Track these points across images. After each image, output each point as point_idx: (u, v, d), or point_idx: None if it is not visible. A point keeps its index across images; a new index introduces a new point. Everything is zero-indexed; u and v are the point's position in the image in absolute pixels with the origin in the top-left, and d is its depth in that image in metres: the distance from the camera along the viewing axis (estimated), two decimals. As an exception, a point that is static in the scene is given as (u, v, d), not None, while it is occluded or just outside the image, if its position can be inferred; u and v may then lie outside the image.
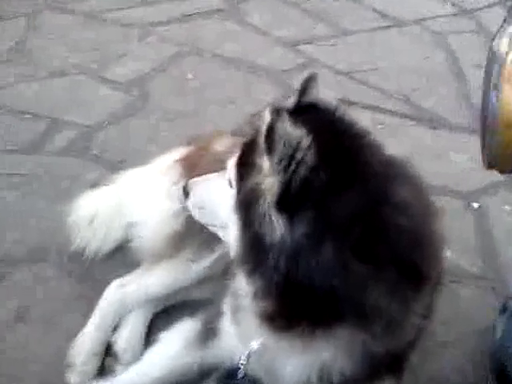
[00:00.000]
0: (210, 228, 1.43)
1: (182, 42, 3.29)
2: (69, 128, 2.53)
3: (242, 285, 1.24)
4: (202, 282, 1.70)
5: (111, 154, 2.40)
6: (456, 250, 1.97)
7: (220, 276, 1.66)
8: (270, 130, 1.07)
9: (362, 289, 1.10)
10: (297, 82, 1.30)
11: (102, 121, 2.61)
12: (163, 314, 1.76)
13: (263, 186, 1.11)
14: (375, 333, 1.15)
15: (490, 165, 1.32)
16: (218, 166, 1.73)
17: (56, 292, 1.78)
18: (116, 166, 2.26)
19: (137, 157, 2.16)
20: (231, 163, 1.26)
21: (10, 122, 2.53)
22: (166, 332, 1.56)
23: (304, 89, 1.29)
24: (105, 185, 1.98)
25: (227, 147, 1.80)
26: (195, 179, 1.41)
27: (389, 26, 3.82)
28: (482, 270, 1.97)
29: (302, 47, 3.43)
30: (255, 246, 1.13)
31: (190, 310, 1.64)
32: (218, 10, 3.75)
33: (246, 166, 1.18)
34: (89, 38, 3.24)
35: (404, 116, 2.84)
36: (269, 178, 1.10)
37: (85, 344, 1.61)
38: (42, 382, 1.53)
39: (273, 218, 1.09)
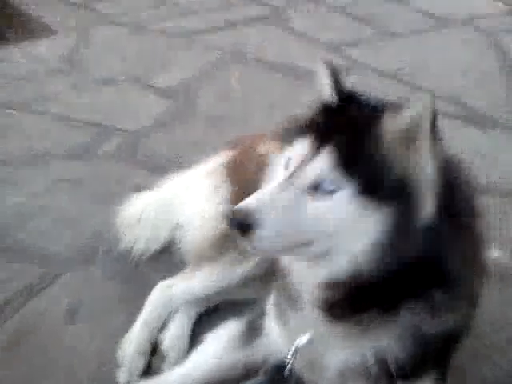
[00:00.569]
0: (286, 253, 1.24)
1: (226, 49, 3.34)
2: (117, 134, 2.59)
3: (310, 276, 1.21)
4: (245, 283, 1.69)
5: (157, 159, 2.43)
6: (507, 250, 1.90)
7: (263, 277, 1.65)
8: (435, 119, 1.11)
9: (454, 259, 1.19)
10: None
11: (148, 127, 2.66)
12: (208, 315, 1.76)
13: (420, 174, 1.12)
14: (432, 312, 1.21)
15: None
16: (261, 168, 1.76)
17: (103, 292, 1.81)
18: (162, 170, 2.28)
19: (183, 161, 2.18)
20: (320, 169, 1.12)
21: (62, 129, 2.62)
22: (211, 332, 1.56)
23: (336, 79, 1.25)
24: (151, 188, 2.00)
25: (271, 150, 1.80)
26: (254, 202, 1.12)
27: (437, 27, 3.77)
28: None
29: (347, 51, 3.41)
30: (407, 232, 1.12)
31: (234, 310, 1.64)
32: (262, 17, 3.78)
33: (369, 162, 1.12)
34: (136, 48, 3.34)
35: (455, 117, 2.77)
36: (428, 165, 1.12)
37: (132, 343, 1.62)
38: (91, 379, 1.55)
39: (427, 203, 1.12)
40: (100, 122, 2.67)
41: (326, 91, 1.24)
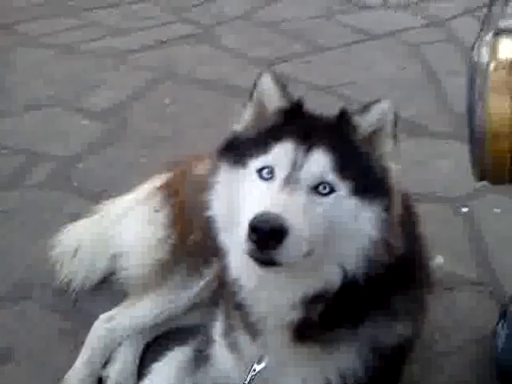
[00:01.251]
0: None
1: (157, 68, 3.28)
2: (47, 161, 2.49)
3: (281, 297, 1.18)
4: (192, 308, 1.66)
5: (92, 185, 2.36)
6: (449, 256, 1.95)
7: (208, 302, 1.62)
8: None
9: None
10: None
11: (80, 152, 2.57)
12: (155, 343, 1.70)
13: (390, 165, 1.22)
14: (390, 321, 1.28)
15: (481, 177, 1.29)
16: (200, 189, 1.73)
17: (41, 329, 1.72)
18: (97, 195, 2.22)
19: (118, 185, 2.13)
20: (319, 171, 1.14)
21: (-13, 158, 2.49)
22: (156, 363, 1.50)
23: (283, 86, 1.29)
24: (87, 216, 1.93)
25: (207, 170, 1.77)
26: (273, 209, 1.06)
27: (363, 40, 3.86)
28: (478, 275, 1.94)
29: (277, 66, 3.43)
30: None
31: (181, 337, 1.59)
32: (192, 35, 3.76)
33: (355, 162, 1.18)
34: (63, 70, 3.23)
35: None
36: (393, 158, 1.23)
37: (75, 382, 1.54)
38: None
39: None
40: (28, 148, 2.56)
41: (273, 98, 1.26)
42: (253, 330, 1.28)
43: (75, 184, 2.37)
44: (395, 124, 1.23)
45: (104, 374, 1.60)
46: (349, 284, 1.16)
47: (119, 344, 1.65)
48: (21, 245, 2.00)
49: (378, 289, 1.19)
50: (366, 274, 1.15)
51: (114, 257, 1.81)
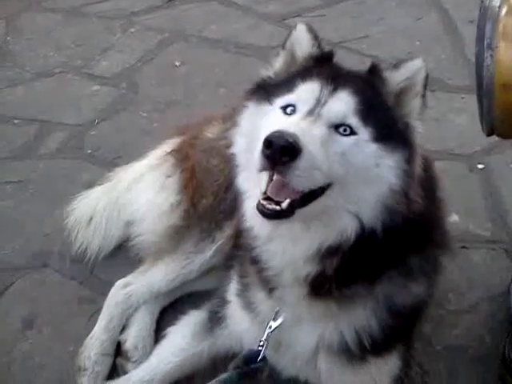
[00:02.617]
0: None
1: (167, 28, 3.22)
2: (60, 129, 2.49)
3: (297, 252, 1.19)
4: (205, 272, 1.68)
5: (105, 152, 2.36)
6: (464, 214, 1.93)
7: (222, 265, 1.64)
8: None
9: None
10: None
11: (92, 118, 2.56)
12: (171, 308, 1.74)
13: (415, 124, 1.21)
14: (406, 281, 1.28)
15: (490, 130, 1.24)
16: (211, 153, 1.72)
17: (61, 297, 1.76)
18: (111, 162, 2.23)
19: (131, 151, 2.12)
20: (342, 112, 1.14)
21: (0, 128, 2.49)
22: (172, 326, 1.55)
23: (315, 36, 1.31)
24: (100, 184, 1.94)
25: (218, 133, 1.77)
26: (288, 132, 1.05)
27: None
28: (493, 233, 1.92)
29: (289, 21, 3.34)
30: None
31: (196, 301, 1.62)
32: (200, -7, 3.66)
33: (379, 111, 1.19)
34: (71, 34, 3.19)
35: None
36: (421, 116, 1.22)
37: (94, 346, 1.59)
38: (52, 388, 1.51)
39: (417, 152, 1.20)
40: (40, 117, 2.56)
41: (306, 47, 1.28)
42: (268, 285, 1.29)
43: (88, 151, 2.38)
44: (425, 85, 1.21)
45: (122, 338, 1.64)
46: (365, 237, 1.15)
47: (136, 309, 1.68)
48: (36, 214, 2.03)
49: (395, 245, 1.18)
50: (383, 225, 1.14)
51: (128, 223, 1.83)
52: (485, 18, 1.15)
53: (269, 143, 1.03)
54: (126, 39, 3.16)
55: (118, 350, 1.62)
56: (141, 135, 2.41)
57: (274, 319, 1.30)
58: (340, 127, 1.13)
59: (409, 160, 1.16)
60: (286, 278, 1.23)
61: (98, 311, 1.67)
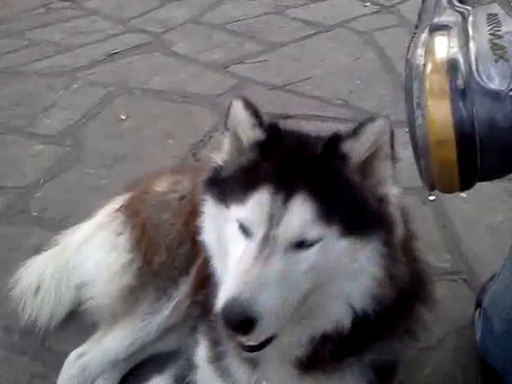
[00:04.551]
0: None
1: (110, 82, 3.20)
2: (1, 193, 2.39)
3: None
4: (165, 332, 1.60)
5: (52, 213, 2.27)
6: (423, 246, 1.92)
7: (182, 323, 1.57)
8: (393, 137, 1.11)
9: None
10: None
11: (37, 179, 2.47)
12: (131, 375, 1.64)
13: (389, 193, 1.13)
14: (393, 346, 1.24)
15: (431, 187, 1.21)
16: (161, 207, 1.67)
17: (10, 375, 1.63)
18: (59, 224, 2.14)
19: (80, 210, 2.05)
20: (299, 226, 1.05)
21: None
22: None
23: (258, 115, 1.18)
24: (47, 248, 1.85)
25: (167, 187, 1.73)
26: (240, 292, 1.00)
27: (316, 33, 3.84)
28: (451, 263, 1.93)
29: (232, 68, 3.39)
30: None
31: (158, 365, 1.54)
32: (142, 45, 3.68)
33: (343, 203, 1.08)
34: (11, 94, 3.11)
35: (345, 120, 2.81)
36: (391, 184, 1.14)
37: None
38: None
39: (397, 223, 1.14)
40: (-19, 182, 2.45)
41: (247, 129, 1.15)
42: (251, 361, 1.22)
43: (34, 214, 2.28)
44: (392, 144, 1.11)
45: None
46: (360, 321, 1.11)
47: (93, 380, 1.58)
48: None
49: (386, 318, 1.14)
50: (375, 309, 1.10)
51: (79, 287, 1.73)
52: (411, 78, 1.13)
53: (226, 319, 0.99)
54: (69, 96, 3.12)
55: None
56: (89, 193, 2.34)
57: None
58: (301, 244, 1.05)
59: (388, 240, 1.09)
60: (271, 357, 1.18)
61: (51, 389, 1.56)
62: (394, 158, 1.12)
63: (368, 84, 3.14)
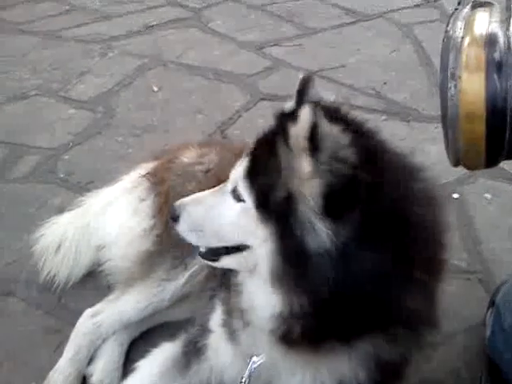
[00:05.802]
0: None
1: (145, 54, 3.22)
2: (32, 153, 2.45)
3: (262, 305, 1.14)
4: (179, 301, 1.63)
5: (78, 176, 2.32)
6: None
7: (197, 293, 1.60)
8: (314, 128, 1.00)
9: (401, 296, 1.09)
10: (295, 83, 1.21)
11: (66, 142, 2.52)
12: (141, 339, 1.68)
13: (303, 190, 1.02)
14: (394, 340, 1.15)
15: (456, 161, 1.21)
16: (186, 177, 1.70)
17: (25, 327, 1.69)
18: (84, 187, 2.19)
19: (105, 177, 2.09)
20: (238, 173, 1.15)
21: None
22: (142, 360, 1.47)
23: (302, 90, 1.19)
24: (71, 209, 1.89)
25: (194, 158, 1.75)
26: (184, 200, 1.26)
27: (354, 22, 3.80)
28: (467, 263, 1.91)
29: (267, 50, 3.38)
30: (297, 257, 1.04)
31: (168, 332, 1.57)
32: (180, 19, 3.69)
33: (268, 171, 1.08)
34: (48, 57, 3.17)
35: (376, 111, 2.79)
36: (310, 180, 1.01)
37: (59, 380, 1.52)
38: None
39: (317, 224, 1.01)
40: (13, 140, 2.51)
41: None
42: (247, 326, 1.24)
43: (61, 176, 2.33)
44: (312, 135, 1.00)
45: (88, 371, 1.57)
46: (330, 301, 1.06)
47: (105, 340, 1.62)
48: (4, 240, 1.97)
49: (362, 315, 1.08)
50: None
51: (99, 249, 1.78)
52: (448, 48, 1.13)
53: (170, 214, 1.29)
54: (103, 63, 3.15)
55: (85, 384, 1.55)
56: (115, 160, 2.38)
57: (256, 358, 1.23)
58: (234, 192, 1.14)
59: (290, 235, 1.03)
60: (255, 323, 1.20)
61: (64, 342, 1.60)
62: (312, 151, 1.01)
63: (403, 77, 3.10)
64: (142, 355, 1.49)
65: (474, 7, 1.15)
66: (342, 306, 1.05)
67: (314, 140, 1.00)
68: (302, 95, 1.19)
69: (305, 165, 1.02)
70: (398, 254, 1.06)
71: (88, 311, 1.64)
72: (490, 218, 2.09)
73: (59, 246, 1.77)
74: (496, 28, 1.08)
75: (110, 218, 1.77)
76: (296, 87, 1.20)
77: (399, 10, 3.96)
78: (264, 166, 1.10)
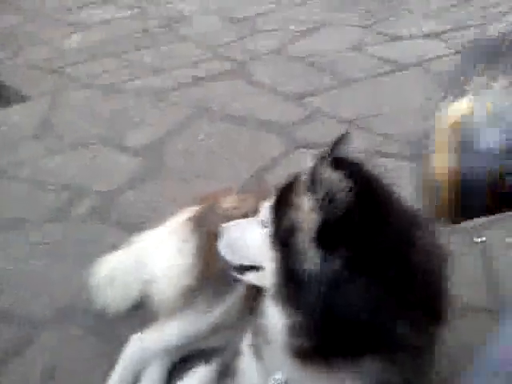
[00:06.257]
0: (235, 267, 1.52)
1: (193, 104, 3.50)
2: (91, 195, 2.72)
3: (274, 321, 1.35)
4: (215, 330, 1.80)
5: (131, 217, 2.55)
6: (462, 284, 2.02)
7: (231, 325, 1.77)
8: (314, 172, 1.22)
9: (391, 324, 1.24)
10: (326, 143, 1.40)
11: (121, 187, 2.78)
12: (182, 364, 1.85)
13: (303, 223, 1.24)
14: (396, 364, 1.28)
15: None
16: (224, 221, 1.89)
17: (81, 351, 1.90)
18: (136, 227, 2.38)
19: (154, 218, 2.28)
20: (266, 206, 1.40)
21: (37, 193, 2.74)
22: (181, 381, 1.66)
23: (337, 143, 1.40)
24: (123, 247, 2.12)
25: (232, 204, 1.95)
26: (228, 223, 1.52)
27: (391, 71, 3.97)
28: (488, 303, 2.01)
29: (307, 100, 3.60)
30: (292, 279, 1.26)
31: (205, 357, 1.74)
32: (227, 72, 3.97)
33: (283, 206, 1.32)
34: (107, 109, 3.50)
35: (409, 159, 2.92)
36: (309, 215, 1.22)
37: (108, 399, 1.72)
38: None
39: (311, 253, 1.22)
40: (74, 184, 2.80)
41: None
42: (268, 345, 1.41)
43: (115, 217, 2.57)
44: (313, 175, 1.24)
45: (134, 392, 1.77)
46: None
47: (149, 363, 1.81)
48: (64, 274, 2.21)
49: (362, 338, 1.23)
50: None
51: (146, 283, 1.98)
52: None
53: None
54: (155, 114, 3.45)
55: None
56: (164, 203, 2.59)
57: (276, 374, 1.40)
58: (262, 221, 1.38)
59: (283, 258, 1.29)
60: (273, 340, 1.38)
61: (114, 365, 1.80)
62: (311, 193, 1.23)
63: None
64: (181, 377, 1.68)
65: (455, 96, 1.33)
66: (336, 327, 1.22)
67: (314, 182, 1.22)
68: (335, 147, 1.38)
69: (305, 203, 1.23)
70: (387, 289, 1.22)
71: (135, 337, 1.84)
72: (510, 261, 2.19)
73: (112, 279, 1.99)
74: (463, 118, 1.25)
75: (157, 256, 1.98)
76: (332, 142, 1.38)
77: (436, 58, 4.10)
78: (283, 202, 1.32)
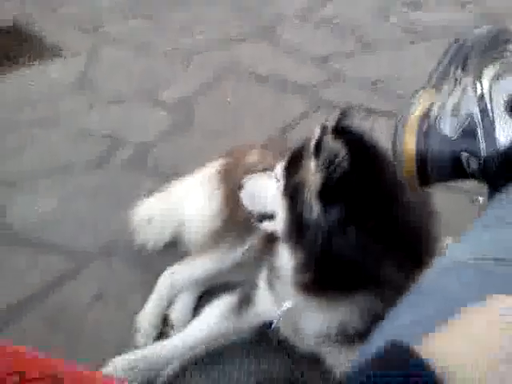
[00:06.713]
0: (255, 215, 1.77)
1: (220, 66, 3.68)
2: (127, 146, 2.97)
3: (284, 260, 1.64)
4: (237, 267, 2.08)
5: (164, 167, 2.81)
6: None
7: (251, 263, 2.05)
8: (319, 141, 1.48)
9: (376, 264, 1.50)
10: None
11: (154, 139, 3.03)
12: (207, 293, 2.16)
13: (308, 181, 1.49)
14: (383, 299, 1.52)
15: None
16: (247, 174, 2.14)
17: (124, 279, 2.21)
18: (168, 176, 2.60)
19: (185, 168, 2.51)
20: (280, 164, 1.66)
21: (79, 143, 3.00)
22: (208, 306, 1.96)
23: (342, 114, 1.64)
24: (158, 193, 2.38)
25: (256, 159, 2.19)
26: (249, 176, 1.73)
27: (415, 39, 4.05)
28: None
29: (330, 62, 3.74)
30: (298, 225, 1.52)
31: (228, 289, 2.02)
32: (254, 35, 4.12)
33: (294, 166, 1.59)
34: (140, 67, 3.70)
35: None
36: (313, 175, 1.47)
37: (146, 317, 2.05)
38: (116, 346, 1.95)
39: (313, 205, 1.48)
40: (112, 135, 3.04)
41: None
42: (280, 279, 1.70)
43: (150, 166, 2.83)
44: (318, 144, 1.49)
45: (167, 313, 2.09)
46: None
47: (180, 291, 2.12)
48: (106, 214, 2.48)
49: (353, 274, 1.51)
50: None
51: (180, 225, 2.26)
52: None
53: None
54: (184, 73, 3.63)
55: (165, 321, 2.08)
56: (193, 156, 2.79)
57: (286, 303, 1.67)
58: (276, 176, 1.66)
59: (291, 207, 1.54)
60: (283, 276, 1.66)
61: (151, 292, 2.12)
62: (316, 157, 1.48)
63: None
64: (208, 303, 1.97)
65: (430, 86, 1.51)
66: (333, 264, 1.51)
67: (317, 150, 1.49)
68: (340, 119, 1.62)
69: (310, 165, 1.50)
70: (376, 236, 1.48)
71: (168, 270, 2.13)
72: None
73: (149, 220, 2.27)
74: (432, 107, 1.42)
75: (189, 202, 2.24)
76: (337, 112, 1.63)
77: (459, 26, 4.17)
78: (293, 163, 1.59)
